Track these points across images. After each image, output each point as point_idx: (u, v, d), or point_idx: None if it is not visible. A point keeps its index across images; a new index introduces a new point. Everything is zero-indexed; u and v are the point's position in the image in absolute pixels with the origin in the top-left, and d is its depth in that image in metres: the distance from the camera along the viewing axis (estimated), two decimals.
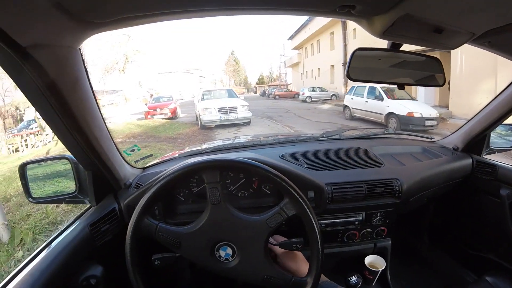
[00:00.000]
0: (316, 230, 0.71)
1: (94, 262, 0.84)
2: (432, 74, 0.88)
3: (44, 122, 0.73)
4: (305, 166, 1.13)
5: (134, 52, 14.82)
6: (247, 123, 9.58)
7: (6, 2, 0.45)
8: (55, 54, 0.60)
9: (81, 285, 0.78)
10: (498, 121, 1.20)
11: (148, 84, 34.75)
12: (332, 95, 19.23)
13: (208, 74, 54.94)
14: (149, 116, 12.80)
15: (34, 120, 13.04)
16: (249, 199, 1.09)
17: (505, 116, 1.17)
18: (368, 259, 1.23)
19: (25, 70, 0.56)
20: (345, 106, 10.37)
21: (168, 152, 3.87)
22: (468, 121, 1.34)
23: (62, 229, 0.87)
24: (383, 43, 0.77)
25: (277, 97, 26.20)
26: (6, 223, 3.21)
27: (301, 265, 0.80)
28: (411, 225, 1.64)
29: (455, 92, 9.30)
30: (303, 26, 26.85)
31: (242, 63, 64.36)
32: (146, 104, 15.54)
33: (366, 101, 8.95)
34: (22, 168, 0.95)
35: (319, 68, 24.25)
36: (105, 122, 0.86)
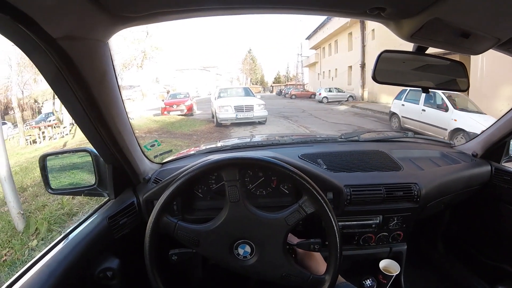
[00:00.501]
0: (335, 228, 0.71)
1: (111, 255, 0.85)
2: (455, 79, 0.86)
3: (68, 114, 0.74)
4: (324, 167, 1.13)
5: (153, 49, 14.96)
6: (263, 122, 9.57)
7: None
8: (85, 46, 0.60)
9: (98, 276, 0.80)
10: None
11: (165, 80, 35.30)
12: (349, 96, 18.95)
13: (225, 72, 55.18)
14: (165, 112, 13.00)
15: (52, 112, 13.49)
16: (267, 198, 1.09)
17: None
18: (383, 263, 1.22)
19: (53, 61, 0.56)
20: (393, 114, 8.27)
21: (184, 148, 3.92)
22: (489, 127, 1.31)
23: (80, 221, 0.88)
24: (404, 45, 0.77)
25: (293, 96, 26.14)
26: (22, 212, 3.30)
27: (320, 264, 0.80)
28: (426, 231, 1.61)
29: (475, 97, 8.92)
30: (321, 26, 26.53)
31: (259, 62, 63.77)
32: (162, 100, 15.78)
33: (423, 110, 6.91)
34: (43, 160, 0.96)
35: (336, 69, 23.93)
36: (128, 117, 0.87)
